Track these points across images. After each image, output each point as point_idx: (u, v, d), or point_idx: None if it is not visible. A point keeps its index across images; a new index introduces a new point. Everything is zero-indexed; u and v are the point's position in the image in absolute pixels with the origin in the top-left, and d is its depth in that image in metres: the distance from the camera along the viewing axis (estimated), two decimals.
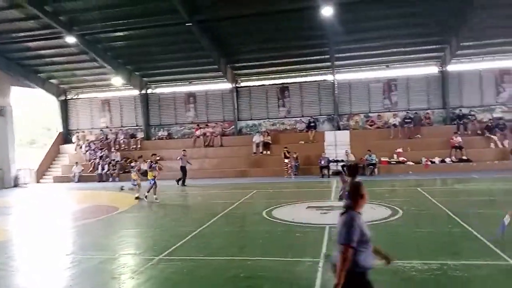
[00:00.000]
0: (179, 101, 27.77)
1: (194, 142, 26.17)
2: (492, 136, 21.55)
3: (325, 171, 21.25)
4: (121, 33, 21.69)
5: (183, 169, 20.61)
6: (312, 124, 24.80)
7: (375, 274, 6.38)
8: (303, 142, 24.04)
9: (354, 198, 3.88)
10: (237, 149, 25.12)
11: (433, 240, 8.50)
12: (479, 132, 22.27)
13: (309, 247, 8.09)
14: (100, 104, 28.97)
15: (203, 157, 25.10)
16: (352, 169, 5.83)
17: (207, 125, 26.71)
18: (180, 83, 27.71)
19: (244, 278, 6.55)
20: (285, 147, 22.30)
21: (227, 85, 26.42)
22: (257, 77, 26.65)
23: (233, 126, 26.64)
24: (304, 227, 9.98)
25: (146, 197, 15.01)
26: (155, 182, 14.99)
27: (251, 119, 26.61)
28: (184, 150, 21.43)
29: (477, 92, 23.47)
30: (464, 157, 20.98)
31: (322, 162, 21.40)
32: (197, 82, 27.36)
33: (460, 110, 23.22)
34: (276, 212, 11.85)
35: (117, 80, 25.47)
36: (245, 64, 25.42)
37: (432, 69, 24.06)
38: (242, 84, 26.84)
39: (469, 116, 22.94)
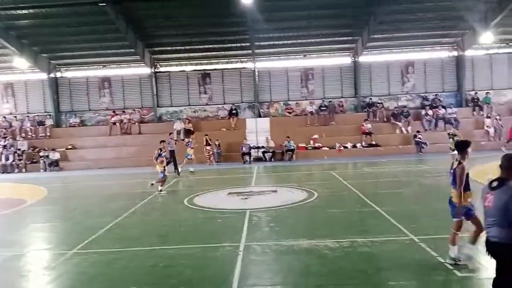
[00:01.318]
0: (92, 86, 26.22)
1: (110, 129, 24.95)
2: (397, 123, 23.44)
3: (247, 158, 21.60)
4: (25, 11, 19.79)
5: (172, 153, 18.98)
6: (234, 112, 24.95)
7: (289, 253, 6.72)
8: (225, 129, 24.12)
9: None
10: (157, 136, 24.35)
11: (345, 219, 9.11)
12: (386, 119, 24.10)
13: (229, 232, 8.21)
14: (2, 88, 26.33)
15: (121, 145, 24.07)
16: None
17: (124, 111, 25.59)
18: (93, 67, 26.12)
19: (164, 267, 6.48)
20: (206, 134, 22.21)
21: (145, 70, 25.49)
22: (177, 63, 26.05)
23: (152, 113, 25.84)
24: (225, 213, 10.09)
25: (160, 191, 13.29)
26: (165, 175, 13.49)
27: (171, 106, 26.02)
28: (171, 133, 20.69)
29: (385, 82, 25.31)
30: (373, 143, 22.60)
31: (244, 149, 21.70)
32: (112, 66, 26.00)
33: (370, 98, 24.90)
34: (198, 200, 11.82)
35: (21, 62, 23.27)
36: (164, 48, 24.69)
37: (346, 60, 25.41)
38: (162, 69, 26.08)
39: (378, 104, 24.68)
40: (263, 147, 22.51)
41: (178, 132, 23.99)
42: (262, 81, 25.48)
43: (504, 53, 24.65)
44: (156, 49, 24.78)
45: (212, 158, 21.79)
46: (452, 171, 6.00)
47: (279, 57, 25.54)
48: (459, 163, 5.85)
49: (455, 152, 13.69)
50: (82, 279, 6.14)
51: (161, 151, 13.84)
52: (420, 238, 7.11)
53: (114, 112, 25.49)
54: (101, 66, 26.06)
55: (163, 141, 14.65)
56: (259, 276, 5.98)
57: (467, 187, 5.85)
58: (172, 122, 24.93)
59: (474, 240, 5.79)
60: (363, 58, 24.83)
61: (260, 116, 24.99)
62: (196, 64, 25.92)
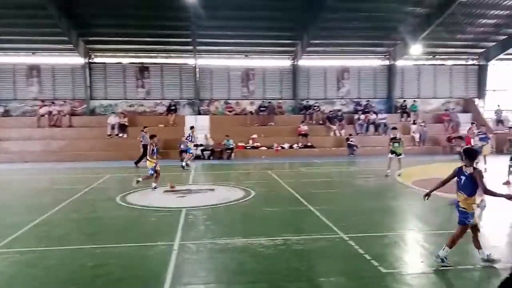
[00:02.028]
0: (19, 73, 24.38)
1: (37, 121, 23.36)
2: (332, 126, 24.37)
3: (185, 155, 21.24)
4: None
5: (145, 147, 17.38)
6: (172, 108, 24.47)
7: (224, 252, 6.73)
8: (162, 126, 23.57)
9: None
10: (89, 130, 23.31)
11: (280, 218, 9.30)
12: (321, 122, 24.95)
13: (164, 231, 8.05)
14: None
15: (49, 138, 22.62)
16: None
17: (53, 102, 24.08)
18: (21, 53, 24.32)
19: (93, 266, 6.19)
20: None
21: (78, 60, 24.18)
22: (114, 54, 25.05)
23: (84, 105, 24.59)
24: (160, 211, 9.87)
25: (155, 187, 12.41)
26: (155, 171, 12.50)
27: (106, 99, 24.95)
28: (145, 127, 19.79)
29: (322, 86, 26.21)
30: (309, 144, 23.30)
31: (182, 146, 21.32)
32: (42, 53, 24.36)
33: (307, 101, 25.65)
34: (131, 197, 11.45)
35: None
36: (100, 38, 23.61)
37: (285, 62, 25.96)
38: (96, 59, 24.90)
39: (314, 107, 25.48)
40: (202, 145, 22.31)
41: (113, 127, 23.07)
42: (203, 78, 25.26)
43: (431, 64, 26.58)
44: (91, 38, 23.62)
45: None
46: (463, 177, 5.97)
47: (221, 55, 25.48)
48: (474, 168, 5.97)
49: (401, 156, 14.28)
50: (0, 280, 5.70)
51: (153, 146, 12.75)
52: (349, 236, 7.44)
53: (42, 102, 23.92)
54: (30, 53, 24.33)
55: (155, 135, 13.28)
56: (193, 275, 5.92)
57: (474, 193, 5.92)
58: (106, 115, 23.90)
59: (452, 244, 5.92)
60: (302, 62, 25.51)
61: (199, 114, 24.75)
62: (134, 57, 25.09)
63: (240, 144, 22.68)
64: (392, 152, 14.69)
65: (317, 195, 11.78)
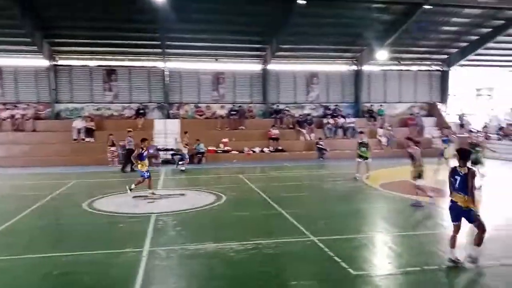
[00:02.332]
0: None
1: None
2: (302, 130, 24.63)
3: (154, 160, 20.94)
4: None
5: (130, 152, 16.87)
6: (141, 111, 24.06)
7: (195, 257, 6.68)
8: (131, 130, 23.00)
9: None
10: (54, 134, 22.56)
11: (251, 222, 9.33)
12: (291, 126, 25.18)
13: (133, 237, 7.90)
14: None
15: (12, 143, 21.73)
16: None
17: (16, 106, 23.19)
18: None
19: (59, 275, 6.02)
20: (111, 134, 21.09)
21: (43, 62, 23.37)
22: (80, 56, 24.37)
23: (49, 109, 23.81)
24: (129, 217, 9.69)
25: (130, 190, 12.02)
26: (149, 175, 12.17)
27: (71, 102, 24.23)
28: (129, 131, 19.20)
29: (291, 91, 26.46)
30: (279, 148, 23.43)
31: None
32: (4, 55, 23.41)
33: (277, 105, 25.84)
34: (99, 203, 11.17)
35: None
36: (66, 40, 22.92)
37: (256, 67, 26.06)
38: (62, 62, 24.16)
39: (285, 111, 25.69)
40: (172, 149, 22.04)
41: (79, 131, 22.45)
42: (173, 81, 24.98)
43: (396, 70, 27.36)
44: (57, 40, 22.92)
45: (116, 160, 20.73)
46: (458, 177, 6.11)
47: (191, 58, 25.29)
48: (469, 168, 6.13)
49: (369, 160, 14.66)
50: None
51: (142, 150, 12.34)
52: (320, 239, 7.55)
53: (4, 105, 23.00)
54: None
55: (145, 139, 12.96)
56: (163, 281, 5.84)
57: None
58: (71, 119, 23.23)
59: (480, 242, 6.08)
60: (272, 66, 25.69)
61: (169, 117, 24.46)
62: (101, 59, 24.51)
63: (210, 148, 22.55)
64: (360, 156, 15.02)
65: (288, 198, 11.88)
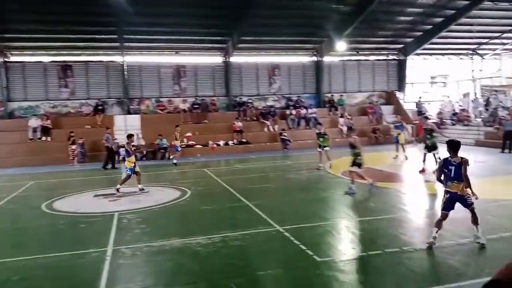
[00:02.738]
0: None
1: None
2: (265, 122, 24.75)
3: (115, 157, 20.43)
4: None
5: (110, 150, 18.27)
6: (100, 108, 23.35)
7: (161, 254, 6.61)
8: (90, 127, 22.43)
9: None
10: (8, 134, 21.51)
11: (217, 215, 9.31)
12: (255, 118, 25.25)
13: (95, 237, 7.71)
14: None
15: None
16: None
17: None
18: None
19: (19, 280, 5.79)
20: (72, 132, 20.38)
21: None
22: (33, 52, 23.29)
23: (2, 108, 22.66)
24: (91, 217, 9.42)
25: (118, 190, 11.79)
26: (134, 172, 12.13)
27: (25, 100, 23.17)
28: (108, 128, 19.27)
29: (254, 83, 26.49)
30: (243, 140, 23.46)
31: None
32: None
33: (241, 98, 25.80)
34: (59, 204, 10.80)
35: None
36: (17, 35, 21.83)
37: (217, 59, 25.86)
38: (13, 58, 23.03)
39: (248, 104, 25.72)
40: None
41: (35, 130, 21.53)
42: (132, 76, 24.37)
43: (355, 60, 27.95)
44: (7, 35, 21.76)
45: (75, 158, 20.06)
46: (452, 167, 6.28)
47: (150, 52, 24.76)
48: (461, 158, 6.32)
49: (327, 148, 15.04)
50: None
51: (129, 146, 12.50)
52: (285, 228, 7.65)
53: None
54: None
55: (132, 135, 13.27)
56: (129, 280, 5.74)
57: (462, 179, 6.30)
58: (26, 118, 22.23)
59: (476, 221, 6.35)
60: (234, 59, 25.59)
61: (129, 113, 23.88)
62: (56, 55, 23.54)
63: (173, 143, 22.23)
64: (319, 145, 15.40)
65: (253, 190, 11.95)
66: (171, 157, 19.42)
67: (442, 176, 6.50)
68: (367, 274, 5.77)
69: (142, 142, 21.32)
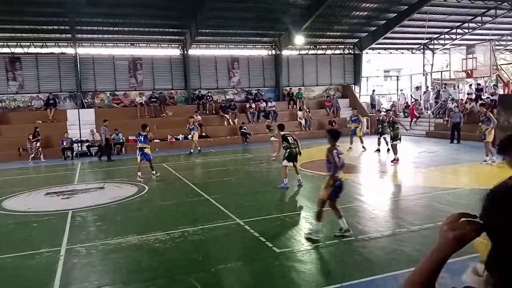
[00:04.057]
0: None
1: None
2: (225, 115, 24.65)
3: (69, 153, 19.70)
4: None
5: (107, 141, 18.68)
6: (51, 102, 22.32)
7: (118, 251, 6.45)
8: (41, 122, 21.39)
9: None
10: None
11: (176, 211, 9.19)
12: (215, 111, 25.08)
13: (48, 237, 7.41)
14: None
15: None
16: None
17: None
18: None
19: None
20: (37, 127, 19.43)
21: None
22: None
23: None
24: (42, 215, 9.03)
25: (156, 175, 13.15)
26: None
27: None
28: (105, 120, 19.06)
29: (213, 76, 26.25)
30: (203, 134, 23.26)
31: (65, 144, 19.70)
32: None
33: (200, 91, 25.52)
34: (8, 203, 10.27)
35: None
36: None
37: (175, 52, 25.41)
38: None
39: (207, 97, 25.48)
40: (87, 140, 20.86)
41: None
42: (85, 68, 23.46)
43: (313, 54, 28.35)
44: None
45: (40, 154, 19.04)
46: (341, 155, 6.60)
47: (105, 44, 23.92)
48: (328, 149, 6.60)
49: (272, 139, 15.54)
50: None
51: (145, 134, 13.60)
52: (245, 221, 7.68)
53: None
54: None
55: (146, 125, 14.14)
56: (84, 279, 5.55)
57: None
58: None
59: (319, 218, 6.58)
60: (192, 52, 25.22)
61: (83, 107, 23.00)
62: (3, 46, 22.25)
63: (131, 137, 21.61)
64: (271, 137, 16.50)
65: (213, 184, 11.89)
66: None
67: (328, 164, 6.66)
68: (325, 263, 5.91)
69: (97, 137, 20.62)
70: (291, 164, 10.75)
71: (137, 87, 24.54)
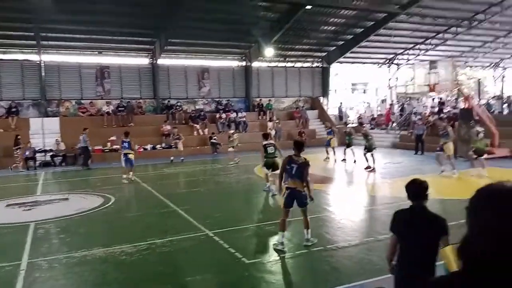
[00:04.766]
0: None
1: None
2: (195, 125, 24.49)
3: (31, 163, 18.98)
4: None
5: (85, 149, 18.64)
6: (13, 110, 21.49)
7: (83, 264, 6.24)
8: (2, 131, 20.57)
9: None
10: None
11: (143, 222, 8.99)
12: (184, 121, 24.87)
13: (8, 250, 7.08)
14: None
15: None
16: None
17: None
18: None
19: None
20: (18, 135, 18.66)
21: None
22: None
23: None
24: (2, 228, 8.63)
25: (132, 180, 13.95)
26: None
27: None
28: (85, 129, 18.85)
29: (183, 86, 26.09)
30: (172, 144, 22.98)
31: (27, 153, 18.98)
32: None
33: (169, 101, 25.28)
34: None
35: None
36: None
37: (144, 61, 25.11)
38: None
39: (177, 107, 25.26)
40: (51, 150, 20.17)
41: None
42: (50, 76, 22.75)
43: (282, 66, 28.72)
44: None
45: (22, 163, 18.28)
46: (294, 165, 6.52)
47: (71, 51, 23.33)
48: (305, 159, 6.63)
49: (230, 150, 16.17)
50: None
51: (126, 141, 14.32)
52: (214, 232, 7.62)
53: None
54: None
55: (128, 132, 15.04)
56: None
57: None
58: None
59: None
60: (162, 61, 25.01)
61: (47, 116, 22.28)
62: None
63: (97, 147, 21.15)
64: (232, 147, 18.03)
65: (182, 195, 11.75)
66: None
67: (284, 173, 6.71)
68: (294, 274, 5.94)
69: (62, 147, 20.02)
70: (270, 170, 10.96)
71: (104, 96, 24.03)
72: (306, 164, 6.54)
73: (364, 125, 17.25)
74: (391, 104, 27.03)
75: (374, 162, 14.69)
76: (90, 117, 23.20)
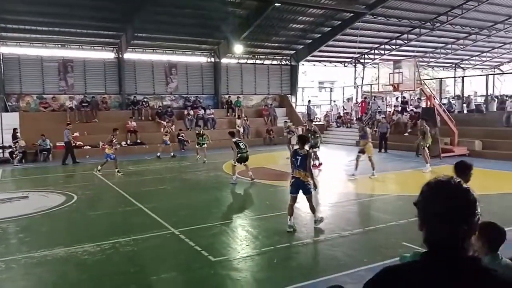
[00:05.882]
0: None
1: None
2: (162, 122, 24.10)
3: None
4: None
5: (68, 145, 18.28)
6: None
7: (43, 265, 6.04)
8: (70, 123, 19.62)
9: None
10: None
11: (107, 221, 8.81)
12: (151, 118, 24.46)
13: None
14: None
15: None
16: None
17: None
18: None
19: None
20: (16, 129, 17.74)
21: None
22: None
23: None
24: None
25: (99, 170, 14.60)
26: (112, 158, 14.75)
27: None
28: (68, 124, 18.79)
29: (150, 81, 25.60)
30: (138, 141, 22.58)
31: None
32: None
33: (135, 96, 24.76)
34: None
35: None
36: None
37: (109, 55, 24.46)
38: None
39: (143, 103, 24.78)
40: (10, 146, 19.36)
41: None
42: (10, 69, 21.79)
43: (251, 63, 28.71)
44: None
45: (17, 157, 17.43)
46: (299, 157, 7.39)
47: (32, 43, 22.42)
48: (307, 151, 7.72)
49: (205, 145, 16.65)
50: None
51: (113, 137, 15.27)
52: (180, 230, 7.55)
53: None
54: None
55: (117, 129, 16.14)
56: None
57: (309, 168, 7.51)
58: None
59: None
60: (128, 55, 24.46)
61: (7, 111, 21.33)
62: None
63: (59, 144, 20.43)
64: (198, 143, 17.73)
65: (147, 193, 11.56)
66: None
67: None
68: (259, 271, 5.97)
69: (22, 143, 19.25)
70: (240, 164, 12.05)
71: (67, 91, 23.25)
72: (307, 155, 7.45)
73: (312, 122, 17.25)
74: (365, 98, 27.71)
75: (318, 159, 15.11)
76: (52, 113, 22.42)
